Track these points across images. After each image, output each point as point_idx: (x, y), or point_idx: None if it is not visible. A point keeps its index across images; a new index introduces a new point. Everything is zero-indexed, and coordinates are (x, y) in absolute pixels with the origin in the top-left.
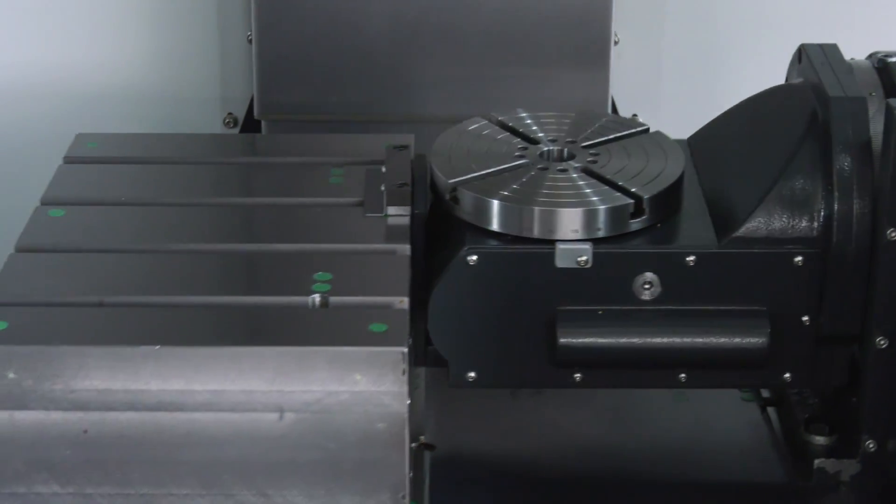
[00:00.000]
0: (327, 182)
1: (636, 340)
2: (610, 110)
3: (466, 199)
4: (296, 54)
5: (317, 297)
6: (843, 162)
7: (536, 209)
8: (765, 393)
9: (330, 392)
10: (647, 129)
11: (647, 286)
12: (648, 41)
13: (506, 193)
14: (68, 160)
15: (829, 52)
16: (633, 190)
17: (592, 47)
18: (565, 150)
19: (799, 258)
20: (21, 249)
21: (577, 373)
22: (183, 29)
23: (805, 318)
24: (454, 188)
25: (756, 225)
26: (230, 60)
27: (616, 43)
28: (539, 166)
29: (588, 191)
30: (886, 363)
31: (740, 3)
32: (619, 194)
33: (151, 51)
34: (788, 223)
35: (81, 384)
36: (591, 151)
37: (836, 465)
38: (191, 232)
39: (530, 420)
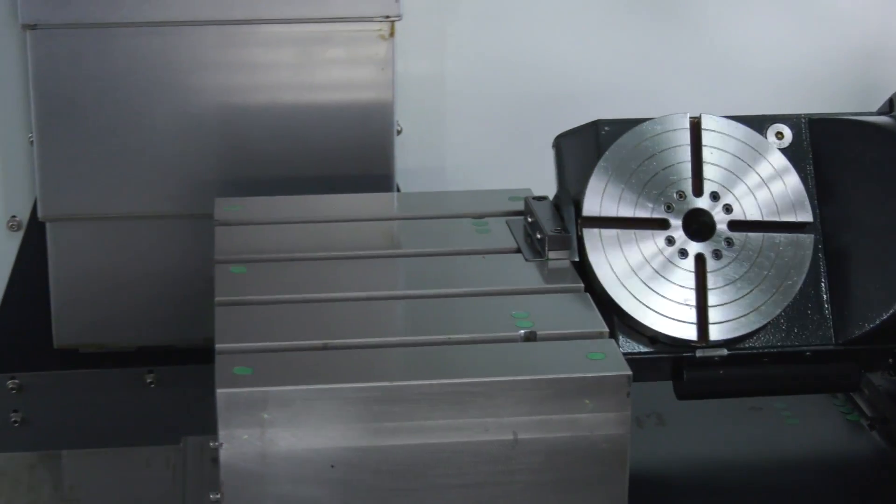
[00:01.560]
0: (475, 233)
1: (749, 388)
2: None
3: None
4: (78, 154)
5: (523, 332)
6: None
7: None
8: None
9: (560, 416)
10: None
11: (765, 359)
12: (430, 128)
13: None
14: (219, 223)
15: None
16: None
17: (376, 138)
18: (703, 218)
19: None
20: (223, 304)
21: None
22: None
23: (890, 360)
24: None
25: (873, 331)
26: (12, 163)
27: (399, 132)
28: (713, 256)
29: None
30: None
31: (514, 88)
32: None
33: None
34: None
35: (330, 421)
36: (710, 197)
37: None
38: (373, 281)
39: (656, 440)
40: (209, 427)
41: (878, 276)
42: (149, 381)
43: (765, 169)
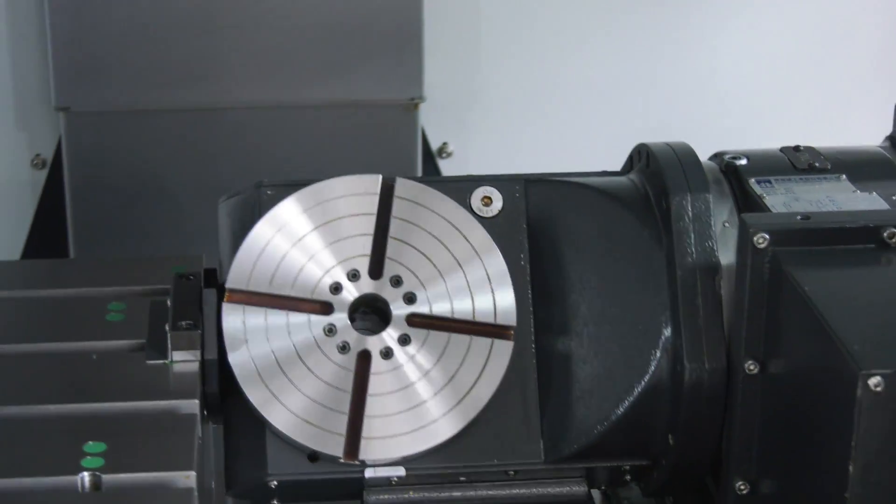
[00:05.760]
0: (104, 320)
1: None
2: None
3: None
4: (92, 47)
5: (86, 477)
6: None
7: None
8: None
9: None
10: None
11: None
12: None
13: None
14: None
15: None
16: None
17: (404, 44)
18: (378, 306)
19: None
20: None
21: None
22: None
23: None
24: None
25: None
26: (29, 100)
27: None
28: (383, 354)
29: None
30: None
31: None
32: None
33: None
34: None
35: None
36: (391, 282)
37: None
38: None
39: None
40: None
41: (593, 383)
42: None
43: (463, 251)
